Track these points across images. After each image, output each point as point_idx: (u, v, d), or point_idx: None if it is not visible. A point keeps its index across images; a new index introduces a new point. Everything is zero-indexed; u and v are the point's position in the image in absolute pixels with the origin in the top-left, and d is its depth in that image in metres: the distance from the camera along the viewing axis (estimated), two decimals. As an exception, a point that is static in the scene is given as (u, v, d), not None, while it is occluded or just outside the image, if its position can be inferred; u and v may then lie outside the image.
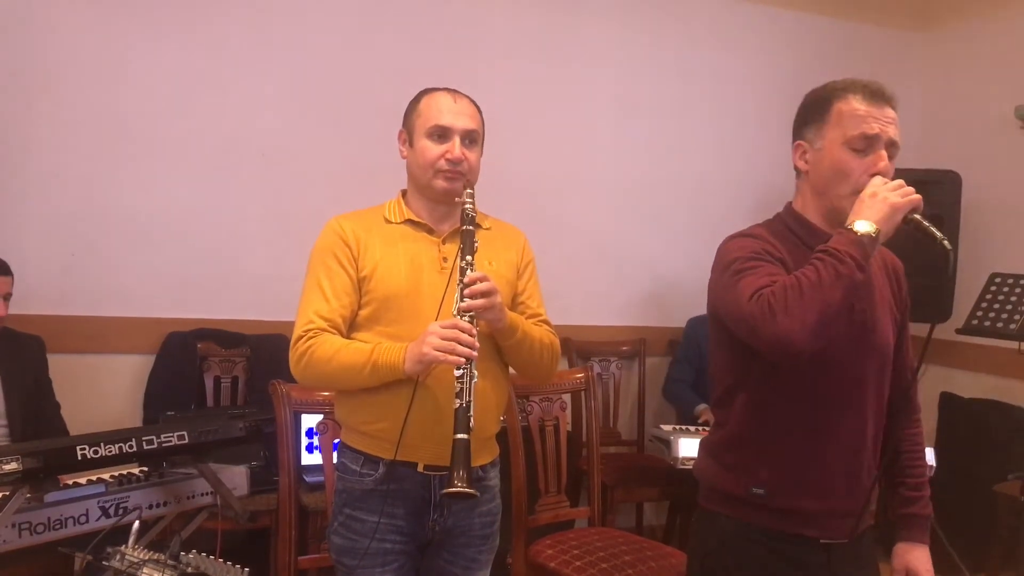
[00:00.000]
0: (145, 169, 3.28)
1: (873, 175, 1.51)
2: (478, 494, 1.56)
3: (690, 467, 2.96)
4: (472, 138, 1.80)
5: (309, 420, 2.81)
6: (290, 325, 1.79)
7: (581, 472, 3.41)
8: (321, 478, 2.40)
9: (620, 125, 4.01)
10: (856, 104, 1.54)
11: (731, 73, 4.16)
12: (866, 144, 1.53)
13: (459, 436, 1.55)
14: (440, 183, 1.78)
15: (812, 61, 4.16)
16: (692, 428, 3.29)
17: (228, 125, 3.38)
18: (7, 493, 1.94)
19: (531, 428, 2.82)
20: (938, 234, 1.46)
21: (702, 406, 3.54)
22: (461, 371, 1.58)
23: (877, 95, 1.56)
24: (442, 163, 1.77)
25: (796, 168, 1.65)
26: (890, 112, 1.55)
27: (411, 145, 1.83)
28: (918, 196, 1.47)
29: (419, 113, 1.82)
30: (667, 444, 3.14)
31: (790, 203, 1.68)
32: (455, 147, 1.76)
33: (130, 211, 3.26)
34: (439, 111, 1.78)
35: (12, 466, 1.87)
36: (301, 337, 1.73)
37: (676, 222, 4.10)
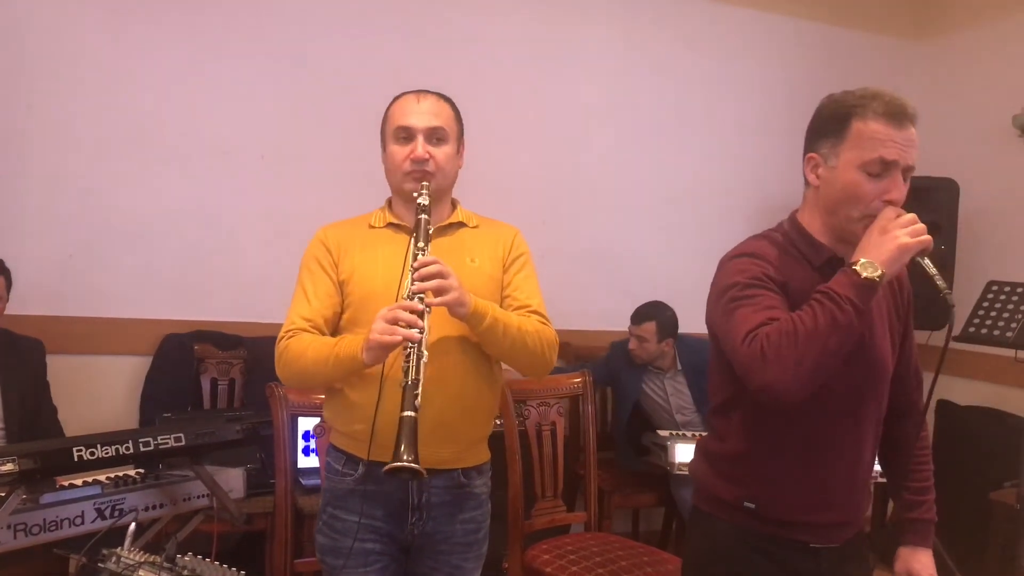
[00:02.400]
0: (143, 171, 3.28)
1: (887, 202, 1.45)
2: (423, 471, 1.51)
3: (687, 472, 3.00)
4: (439, 136, 1.79)
5: (306, 423, 2.81)
6: (288, 328, 1.80)
7: (578, 477, 3.41)
8: (317, 481, 2.39)
9: (618, 131, 4.01)
10: (876, 125, 1.45)
11: (729, 80, 4.17)
12: (883, 168, 1.45)
13: (405, 414, 1.53)
14: (409, 185, 1.78)
15: (810, 68, 4.17)
16: (688, 434, 3.29)
17: (227, 127, 3.38)
18: (3, 494, 1.93)
19: (528, 432, 2.82)
20: (941, 284, 1.42)
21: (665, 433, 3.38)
22: (408, 349, 1.57)
23: (899, 115, 1.46)
24: (407, 164, 1.77)
25: (806, 179, 1.57)
26: (911, 133, 1.46)
27: (384, 150, 1.85)
28: (928, 238, 1.41)
29: (387, 118, 1.84)
30: (664, 450, 3.14)
31: (795, 213, 1.61)
32: (418, 146, 1.76)
33: (128, 213, 3.26)
34: (402, 113, 1.80)
35: (8, 467, 1.87)
36: (282, 338, 1.76)
37: (675, 227, 4.11)
